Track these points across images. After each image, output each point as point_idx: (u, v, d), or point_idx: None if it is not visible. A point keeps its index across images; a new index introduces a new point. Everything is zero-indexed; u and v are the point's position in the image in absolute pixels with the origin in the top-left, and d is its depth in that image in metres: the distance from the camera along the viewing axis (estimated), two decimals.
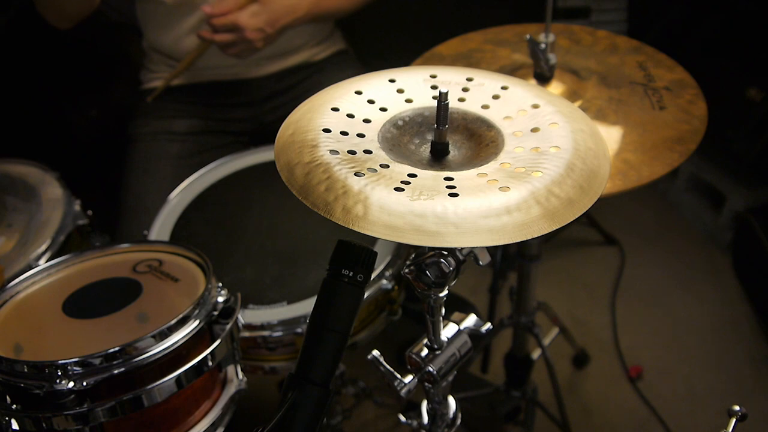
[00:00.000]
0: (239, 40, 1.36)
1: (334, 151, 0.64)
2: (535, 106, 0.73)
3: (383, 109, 0.72)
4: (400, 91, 0.75)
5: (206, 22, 1.37)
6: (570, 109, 0.74)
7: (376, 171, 0.62)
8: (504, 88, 0.76)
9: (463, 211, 0.58)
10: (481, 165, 0.66)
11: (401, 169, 0.63)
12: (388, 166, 0.63)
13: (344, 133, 0.67)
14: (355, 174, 0.61)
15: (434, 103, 0.68)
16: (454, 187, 0.61)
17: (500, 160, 0.66)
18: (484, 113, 0.73)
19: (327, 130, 0.67)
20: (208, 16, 1.35)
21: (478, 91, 0.76)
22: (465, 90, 0.76)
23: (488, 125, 0.72)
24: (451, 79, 0.78)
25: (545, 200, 0.60)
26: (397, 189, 0.60)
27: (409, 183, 0.61)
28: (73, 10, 1.37)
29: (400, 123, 0.72)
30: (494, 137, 0.70)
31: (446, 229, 0.57)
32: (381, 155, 0.65)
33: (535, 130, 0.70)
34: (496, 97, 0.75)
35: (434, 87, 0.76)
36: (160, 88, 1.51)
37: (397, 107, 0.73)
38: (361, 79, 0.77)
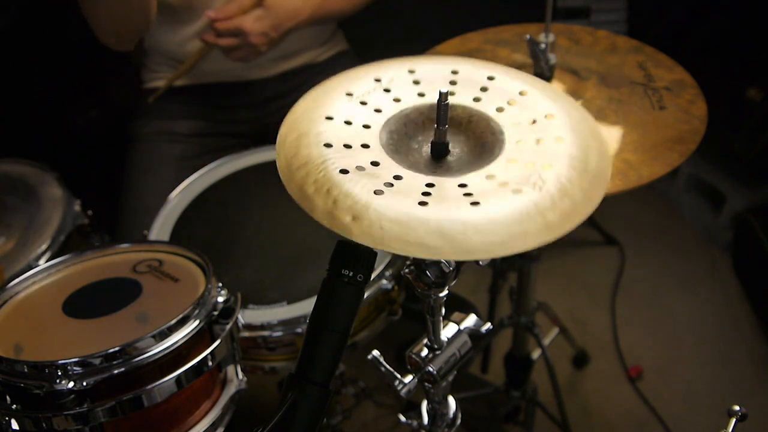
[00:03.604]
0: (243, 45, 1.36)
1: (344, 170, 0.63)
2: (523, 93, 0.73)
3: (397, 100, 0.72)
4: (416, 82, 0.75)
5: (210, 26, 1.36)
6: (562, 97, 0.74)
7: (392, 186, 0.62)
8: (491, 78, 0.76)
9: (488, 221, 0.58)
10: (486, 164, 0.66)
11: (418, 181, 0.63)
12: (401, 178, 0.63)
13: (348, 146, 0.66)
14: (375, 192, 0.61)
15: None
16: (470, 194, 0.61)
17: (505, 155, 0.66)
18: (476, 105, 0.73)
19: (328, 145, 0.66)
20: (212, 21, 1.34)
21: (466, 84, 0.75)
22: (453, 83, 0.76)
23: (485, 119, 0.71)
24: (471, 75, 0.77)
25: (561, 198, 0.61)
26: (421, 203, 0.60)
27: (430, 194, 0.61)
28: (129, 27, 1.33)
29: (400, 124, 0.71)
30: (493, 130, 0.70)
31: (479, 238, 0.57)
32: (391, 165, 0.65)
33: (532, 121, 0.69)
34: (484, 89, 0.74)
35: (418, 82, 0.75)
36: (162, 89, 1.51)
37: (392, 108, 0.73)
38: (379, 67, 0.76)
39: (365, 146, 0.66)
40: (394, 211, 0.58)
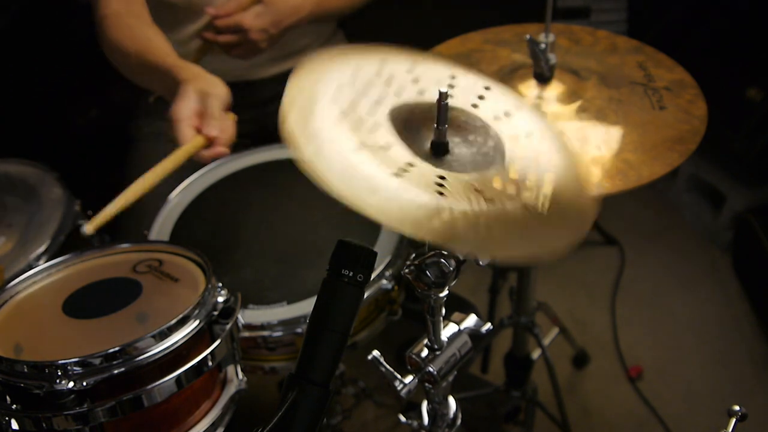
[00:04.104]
0: (243, 41, 1.36)
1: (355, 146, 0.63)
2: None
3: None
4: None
5: (210, 23, 1.36)
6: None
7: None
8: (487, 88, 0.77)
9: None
10: (480, 170, 0.66)
11: (402, 156, 0.63)
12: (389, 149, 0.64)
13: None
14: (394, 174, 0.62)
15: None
16: (442, 186, 0.62)
17: (498, 170, 0.66)
18: (478, 113, 0.73)
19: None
20: (212, 18, 1.34)
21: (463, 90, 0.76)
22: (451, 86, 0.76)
23: (488, 133, 0.72)
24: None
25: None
26: (396, 174, 0.60)
27: (407, 171, 0.61)
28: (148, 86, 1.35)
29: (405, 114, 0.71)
30: (494, 145, 0.70)
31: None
32: (388, 137, 0.65)
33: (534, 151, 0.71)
34: (483, 98, 0.76)
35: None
36: None
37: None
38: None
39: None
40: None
